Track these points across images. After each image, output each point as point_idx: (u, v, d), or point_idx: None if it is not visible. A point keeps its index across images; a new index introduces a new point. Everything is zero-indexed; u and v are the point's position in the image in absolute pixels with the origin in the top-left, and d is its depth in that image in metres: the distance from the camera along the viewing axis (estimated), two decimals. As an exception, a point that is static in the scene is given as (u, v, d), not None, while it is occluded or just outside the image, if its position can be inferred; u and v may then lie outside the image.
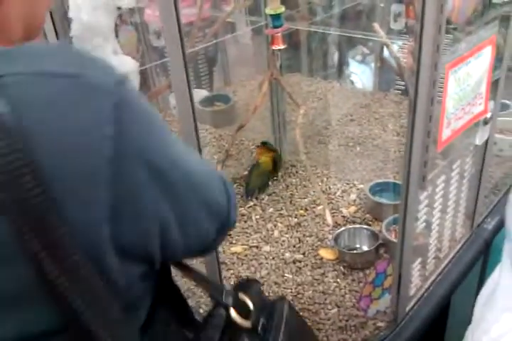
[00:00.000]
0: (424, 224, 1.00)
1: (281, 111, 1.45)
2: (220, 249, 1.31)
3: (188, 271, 0.59)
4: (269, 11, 1.21)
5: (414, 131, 0.75)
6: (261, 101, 1.19)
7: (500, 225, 1.32)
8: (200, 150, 0.82)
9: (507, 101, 1.61)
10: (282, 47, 1.24)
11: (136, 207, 0.42)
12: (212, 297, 0.58)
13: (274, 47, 1.25)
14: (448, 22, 0.69)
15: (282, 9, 1.20)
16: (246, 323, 0.54)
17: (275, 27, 1.23)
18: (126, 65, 1.33)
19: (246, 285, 0.62)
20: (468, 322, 1.60)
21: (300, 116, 1.14)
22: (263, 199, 1.44)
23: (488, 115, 0.95)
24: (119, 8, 1.17)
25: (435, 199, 0.98)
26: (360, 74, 1.98)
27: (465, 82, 0.80)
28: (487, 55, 0.86)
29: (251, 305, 0.56)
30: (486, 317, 0.70)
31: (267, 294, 1.17)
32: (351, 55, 1.95)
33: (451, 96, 0.77)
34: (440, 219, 1.05)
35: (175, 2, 0.67)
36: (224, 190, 0.52)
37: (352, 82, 1.97)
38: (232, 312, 0.54)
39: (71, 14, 1.11)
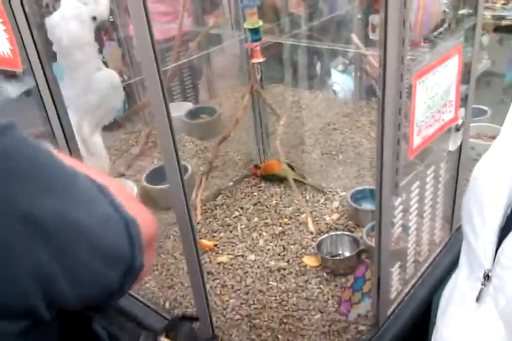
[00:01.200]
0: (400, 228, 1.02)
1: (264, 122, 1.48)
2: (206, 259, 1.34)
3: (107, 316, 0.57)
4: (247, 25, 1.24)
5: (384, 139, 0.78)
6: (242, 114, 1.22)
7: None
8: (178, 164, 0.84)
9: (485, 107, 1.65)
10: (261, 60, 1.28)
11: (6, 261, 0.41)
12: None
13: (253, 61, 1.28)
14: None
15: (260, 23, 1.23)
16: None
17: (254, 41, 1.26)
18: (110, 79, 1.35)
19: (176, 325, 0.61)
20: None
21: (281, 127, 1.17)
22: (248, 209, 1.46)
23: (460, 122, 0.98)
24: (94, 19, 1.19)
25: (411, 205, 1.01)
26: (342, 84, 2.02)
27: (433, 91, 0.83)
28: (454, 64, 0.90)
29: None
30: (446, 312, 0.73)
31: (251, 302, 1.19)
32: (333, 65, 1.99)
33: (420, 105, 0.80)
34: (417, 224, 1.07)
35: (147, 19, 0.70)
36: (125, 233, 0.48)
37: (334, 92, 2.01)
38: None
39: (49, 30, 1.14)
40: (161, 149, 0.85)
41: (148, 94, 0.78)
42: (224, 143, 1.49)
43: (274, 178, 1.54)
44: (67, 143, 1.08)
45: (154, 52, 0.72)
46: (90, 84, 1.24)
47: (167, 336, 0.59)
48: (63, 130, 1.06)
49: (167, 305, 1.24)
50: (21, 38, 0.97)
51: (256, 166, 1.56)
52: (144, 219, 0.52)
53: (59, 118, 1.04)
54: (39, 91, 1.02)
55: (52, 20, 1.17)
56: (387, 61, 0.73)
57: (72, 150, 1.09)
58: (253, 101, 1.41)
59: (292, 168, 1.51)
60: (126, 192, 0.56)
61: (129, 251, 0.48)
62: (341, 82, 2.03)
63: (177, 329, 0.60)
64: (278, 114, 1.20)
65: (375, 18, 1.68)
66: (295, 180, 1.47)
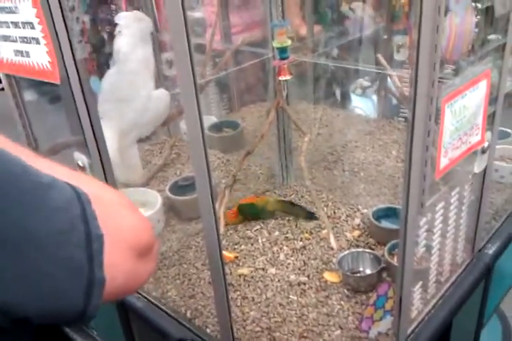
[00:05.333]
0: (424, 248, 1.03)
1: (288, 138, 1.51)
2: (227, 270, 1.35)
3: None
4: (276, 44, 1.27)
5: (412, 160, 0.80)
6: (267, 129, 1.25)
7: (502, 250, 1.36)
8: (209, 175, 0.86)
9: (508, 130, 1.66)
10: (288, 77, 1.31)
11: None
12: None
13: (280, 78, 1.31)
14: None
15: (288, 43, 1.26)
16: None
17: (282, 59, 1.29)
18: (166, 98, 1.39)
19: None
20: (470, 345, 1.61)
21: (305, 143, 1.19)
22: (269, 223, 1.48)
23: (486, 144, 1.00)
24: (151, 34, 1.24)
25: (435, 225, 1.02)
26: (363, 106, 2.05)
27: (461, 114, 0.85)
28: (482, 88, 0.92)
29: None
30: None
31: (272, 315, 1.21)
32: (351, 89, 2.01)
33: (448, 127, 0.82)
34: (440, 244, 1.08)
35: (187, 34, 0.73)
36: (85, 246, 0.48)
37: (356, 110, 2.03)
38: None
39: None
40: (192, 160, 0.88)
41: (184, 107, 0.81)
42: (246, 157, 1.51)
43: (256, 210, 1.49)
44: (99, 153, 1.11)
45: (192, 65, 0.75)
46: (148, 102, 1.28)
47: None
48: (96, 141, 1.09)
49: (188, 314, 1.26)
50: (61, 51, 1.01)
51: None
52: (137, 227, 0.53)
53: (93, 129, 1.08)
54: (74, 101, 1.06)
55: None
56: (418, 84, 0.75)
57: (104, 160, 1.12)
58: (278, 117, 1.44)
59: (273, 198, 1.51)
60: (121, 201, 0.56)
61: (87, 264, 0.48)
62: (361, 104, 2.05)
63: None
64: (303, 131, 1.22)
65: (400, 39, 1.72)
66: (282, 210, 1.48)
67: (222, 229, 1.33)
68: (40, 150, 1.40)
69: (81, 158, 1.18)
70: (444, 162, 0.86)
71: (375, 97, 1.96)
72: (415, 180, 0.83)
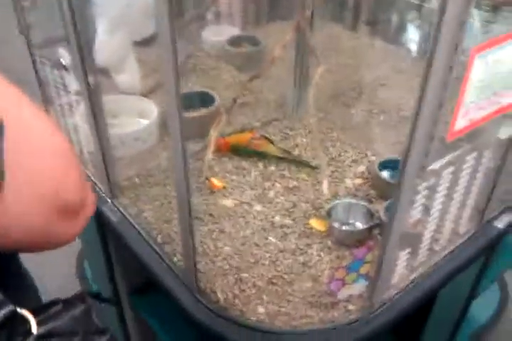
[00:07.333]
0: (421, 211, 0.91)
1: (305, 65, 1.34)
2: (211, 200, 1.26)
3: None
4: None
5: (420, 116, 0.66)
6: (279, 53, 1.09)
7: (513, 225, 1.22)
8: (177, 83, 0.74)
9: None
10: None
11: None
12: None
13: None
14: None
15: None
16: None
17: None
18: None
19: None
20: (452, 321, 1.54)
21: (317, 75, 1.03)
22: (266, 156, 1.36)
23: (521, 110, 0.83)
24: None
25: (438, 191, 0.89)
26: (412, 39, 1.82)
27: (495, 69, 0.68)
28: (532, 39, 0.74)
29: (33, 327, 0.46)
30: None
31: (245, 255, 1.12)
32: (410, 17, 1.77)
33: (475, 83, 0.67)
34: (441, 211, 0.96)
35: None
36: None
37: (408, 50, 1.80)
38: None
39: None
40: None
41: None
42: (260, 81, 1.37)
43: (249, 153, 1.36)
44: (80, 50, 0.98)
45: None
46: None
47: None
48: (77, 36, 0.96)
49: (159, 238, 1.19)
50: None
51: (224, 140, 1.36)
52: (64, 181, 0.44)
53: (74, 20, 0.94)
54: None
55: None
56: (444, 23, 0.58)
57: (85, 58, 0.99)
58: (298, 40, 1.27)
59: (271, 142, 1.36)
60: (56, 146, 0.46)
61: None
62: (417, 39, 1.82)
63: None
64: (319, 60, 1.06)
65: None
66: (275, 157, 1.33)
67: (210, 156, 1.21)
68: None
69: (64, 56, 1.06)
70: (461, 123, 0.71)
71: (426, 31, 1.73)
72: (420, 140, 0.69)
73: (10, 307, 0.44)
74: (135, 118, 1.42)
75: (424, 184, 0.80)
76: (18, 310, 0.46)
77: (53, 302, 0.50)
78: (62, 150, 0.46)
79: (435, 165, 0.78)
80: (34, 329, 0.46)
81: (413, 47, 1.80)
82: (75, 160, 0.47)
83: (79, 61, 0.98)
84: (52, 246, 0.48)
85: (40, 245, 0.47)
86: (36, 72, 1.27)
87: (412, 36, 1.81)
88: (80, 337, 0.49)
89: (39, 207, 0.43)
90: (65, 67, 1.06)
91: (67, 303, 0.51)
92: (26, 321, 0.46)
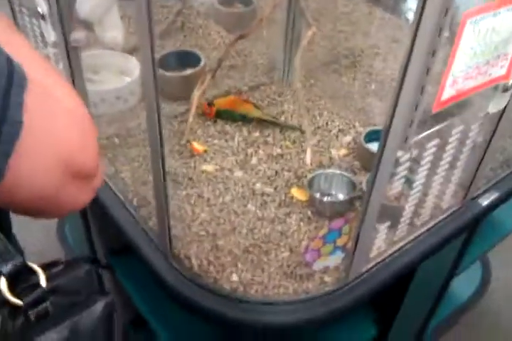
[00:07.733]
0: (402, 184, 0.88)
1: (297, 28, 1.28)
2: (191, 163, 1.23)
3: None
4: None
5: (404, 83, 0.62)
6: (268, 13, 1.04)
7: (499, 202, 1.20)
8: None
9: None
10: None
11: None
12: None
13: None
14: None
15: None
16: (14, 300, 0.45)
17: None
18: None
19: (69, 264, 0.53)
20: (432, 297, 1.53)
21: (306, 39, 0.99)
22: (252, 120, 1.32)
23: (511, 82, 0.79)
24: None
25: (421, 164, 0.86)
26: (411, 9, 1.76)
27: (487, 37, 0.64)
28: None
29: (42, 280, 0.47)
30: None
31: (222, 222, 1.10)
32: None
33: (465, 50, 0.62)
34: (423, 185, 0.93)
35: None
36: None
37: (406, 20, 1.74)
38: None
39: None
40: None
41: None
42: (250, 42, 1.31)
43: (234, 117, 1.32)
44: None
45: None
46: None
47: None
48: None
49: (135, 201, 1.15)
50: None
51: (209, 104, 1.30)
52: (79, 146, 0.43)
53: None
54: None
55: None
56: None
57: (62, 8, 0.94)
58: (291, 0, 1.21)
59: (257, 107, 1.32)
60: (77, 114, 0.46)
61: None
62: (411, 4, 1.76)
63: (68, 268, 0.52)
64: (309, 22, 1.01)
65: None
66: (263, 120, 1.29)
67: (190, 119, 1.17)
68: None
69: (41, 4, 1.00)
70: (448, 92, 0.67)
71: None
72: (403, 109, 0.66)
73: (20, 259, 0.46)
74: (118, 75, 1.36)
75: (407, 156, 0.77)
76: (28, 263, 0.47)
77: (55, 262, 0.51)
78: (81, 115, 0.45)
79: (419, 137, 0.74)
80: (43, 282, 0.47)
81: (412, 17, 1.73)
82: (93, 127, 0.46)
83: (55, 10, 0.93)
84: (60, 213, 0.47)
85: (48, 209, 0.45)
86: (15, 20, 1.21)
87: (412, 6, 1.74)
88: (83, 296, 0.51)
89: (53, 168, 0.41)
90: (42, 16, 1.00)
91: (70, 264, 0.52)
92: (35, 274, 0.47)
